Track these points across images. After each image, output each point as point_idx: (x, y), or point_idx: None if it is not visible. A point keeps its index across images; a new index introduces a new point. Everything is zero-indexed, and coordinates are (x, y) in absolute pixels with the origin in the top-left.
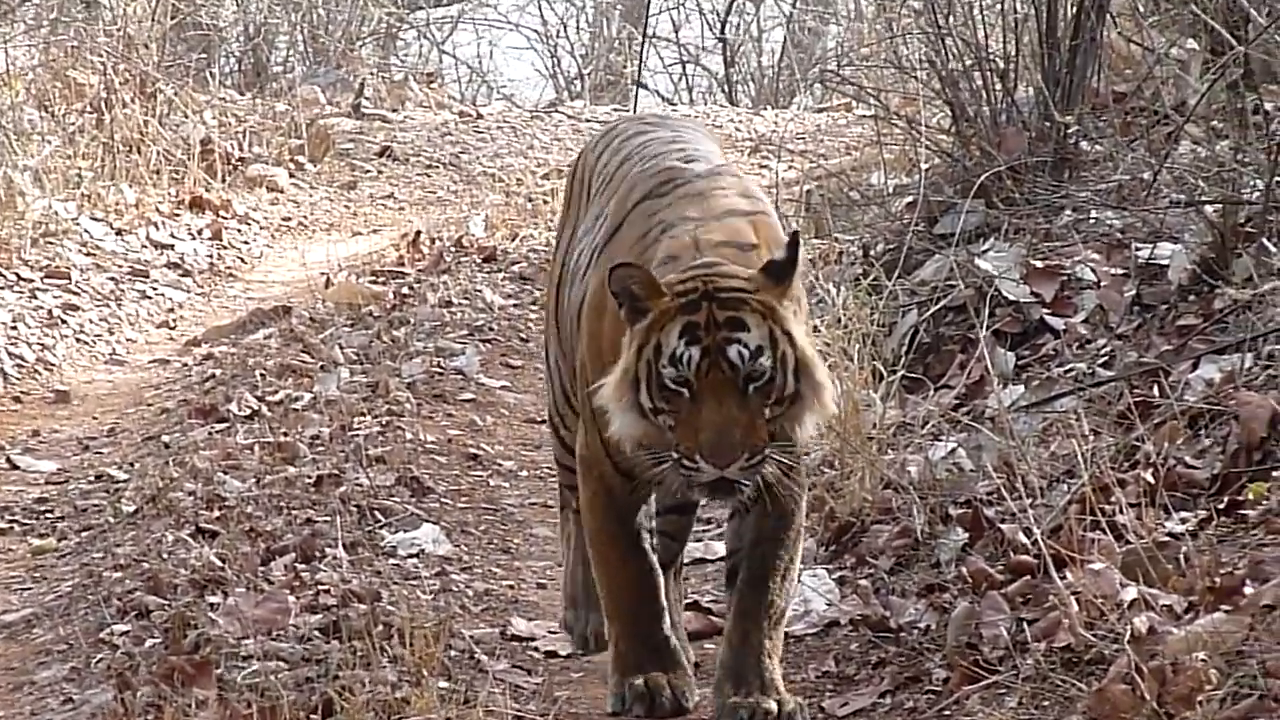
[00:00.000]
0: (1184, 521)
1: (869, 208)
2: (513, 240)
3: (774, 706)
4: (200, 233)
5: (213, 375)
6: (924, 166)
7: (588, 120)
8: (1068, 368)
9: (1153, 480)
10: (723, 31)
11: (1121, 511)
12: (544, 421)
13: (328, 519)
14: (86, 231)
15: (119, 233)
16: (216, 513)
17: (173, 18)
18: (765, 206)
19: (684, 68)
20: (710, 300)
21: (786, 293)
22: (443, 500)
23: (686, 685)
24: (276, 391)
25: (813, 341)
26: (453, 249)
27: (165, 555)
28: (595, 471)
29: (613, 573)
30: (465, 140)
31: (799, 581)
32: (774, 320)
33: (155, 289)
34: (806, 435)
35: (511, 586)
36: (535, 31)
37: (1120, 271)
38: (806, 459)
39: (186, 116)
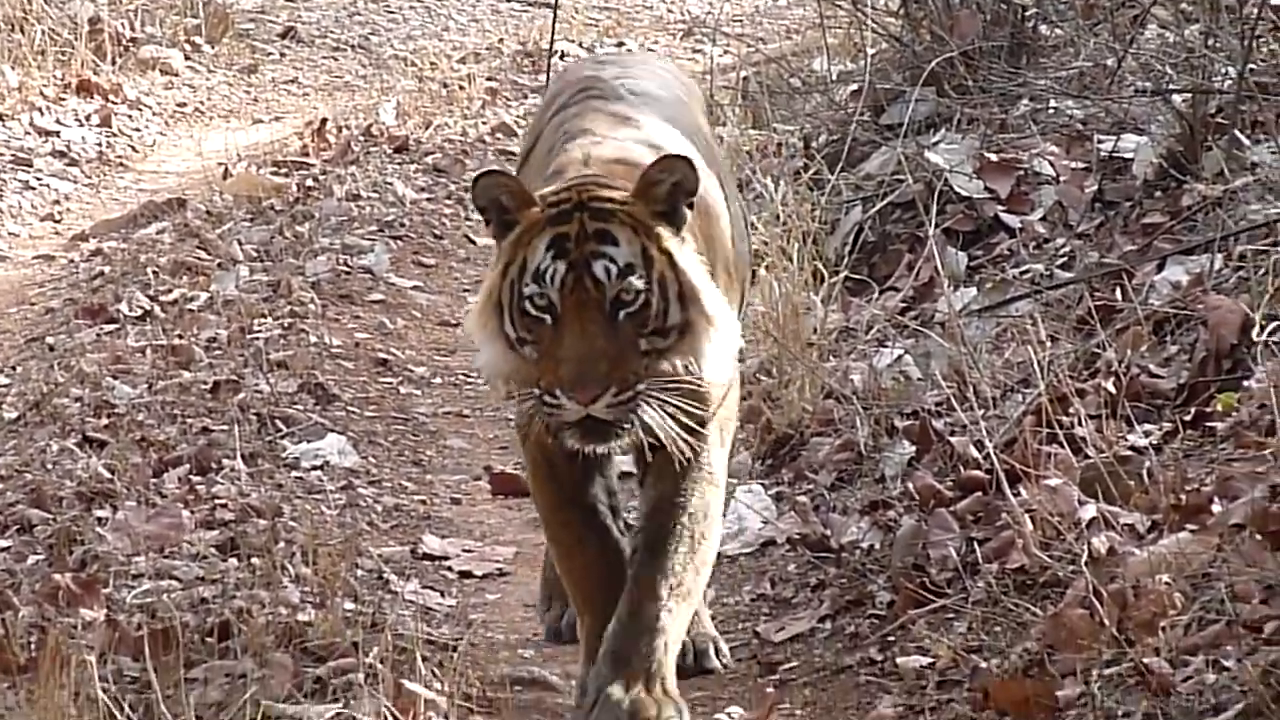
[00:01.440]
0: (1147, 434)
1: (811, 96)
2: (426, 129)
3: (653, 712)
4: (88, 119)
5: (101, 273)
6: (870, 51)
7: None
8: (1024, 269)
9: (1114, 390)
10: None
11: (1080, 423)
12: (458, 325)
13: (225, 428)
14: None
15: (0, 119)
16: (105, 420)
17: None
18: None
19: None
20: (583, 210)
21: (666, 217)
22: (349, 409)
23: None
24: (170, 291)
25: (705, 269)
26: (361, 138)
27: (49, 466)
28: (531, 439)
29: (570, 556)
30: (375, 21)
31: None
32: (649, 238)
33: (39, 179)
34: (711, 374)
35: (423, 502)
36: None
37: (1081, 165)
38: (726, 409)
39: None
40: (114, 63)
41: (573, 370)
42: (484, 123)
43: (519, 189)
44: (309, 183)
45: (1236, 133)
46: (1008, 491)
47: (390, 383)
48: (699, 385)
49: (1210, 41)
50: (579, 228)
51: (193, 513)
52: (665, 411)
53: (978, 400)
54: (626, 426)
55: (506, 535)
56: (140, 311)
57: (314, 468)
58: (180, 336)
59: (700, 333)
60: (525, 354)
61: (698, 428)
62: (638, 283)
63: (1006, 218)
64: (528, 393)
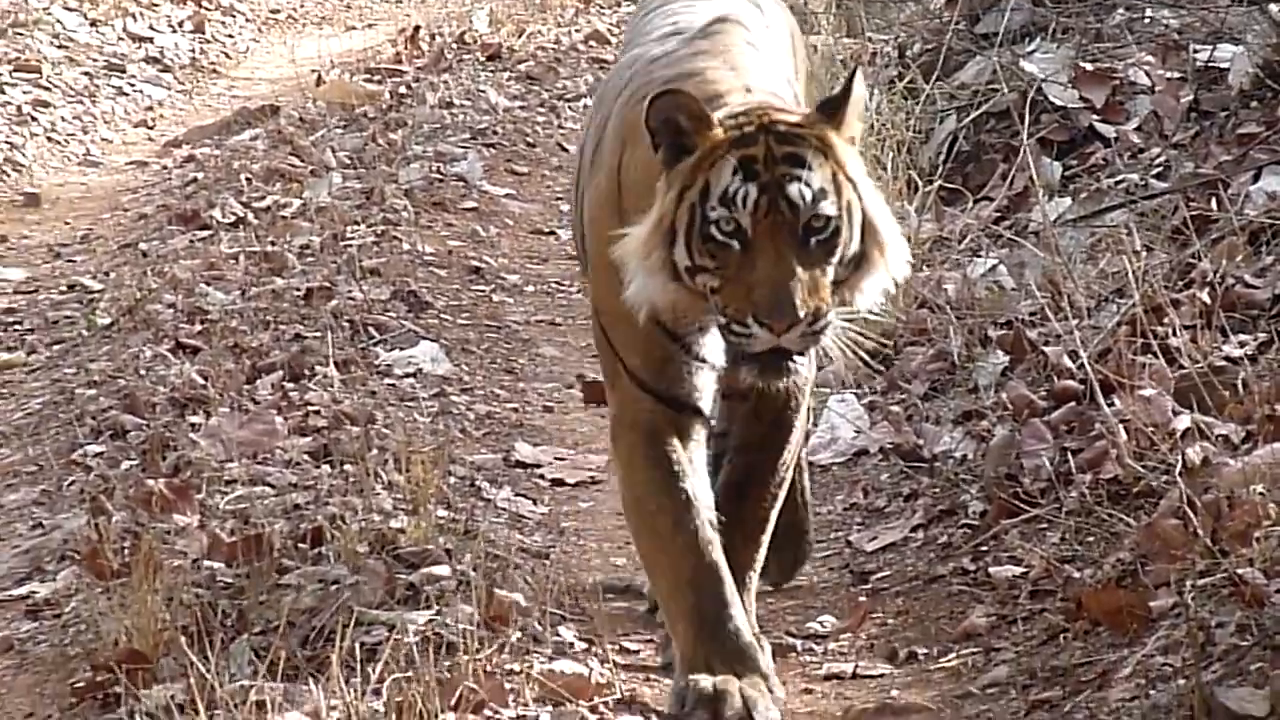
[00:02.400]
0: (1242, 345)
1: (905, 4)
2: (519, 37)
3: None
4: (181, 25)
5: (195, 179)
6: None
7: None
8: (1118, 179)
9: (1209, 300)
10: None
11: (1175, 334)
12: (551, 233)
13: (318, 335)
14: (59, 22)
15: (94, 24)
16: (198, 327)
17: None
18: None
19: None
20: (768, 133)
21: (842, 131)
22: (442, 316)
23: (760, 696)
24: (263, 197)
25: (878, 192)
26: (454, 46)
27: (143, 372)
28: (628, 418)
29: (665, 548)
30: None
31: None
32: (836, 162)
33: (133, 85)
34: (868, 305)
35: (515, 410)
36: None
37: (1177, 75)
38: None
39: None
40: None
41: (768, 297)
42: (577, 30)
43: (699, 110)
44: (402, 90)
45: None
46: (1101, 402)
47: (483, 290)
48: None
49: None
50: (766, 150)
51: (286, 419)
52: (843, 342)
53: (1072, 310)
54: (804, 360)
55: (598, 443)
56: (233, 218)
57: (407, 375)
58: (273, 243)
59: (873, 265)
60: (697, 284)
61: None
62: (829, 208)
63: (1101, 127)
64: (703, 322)
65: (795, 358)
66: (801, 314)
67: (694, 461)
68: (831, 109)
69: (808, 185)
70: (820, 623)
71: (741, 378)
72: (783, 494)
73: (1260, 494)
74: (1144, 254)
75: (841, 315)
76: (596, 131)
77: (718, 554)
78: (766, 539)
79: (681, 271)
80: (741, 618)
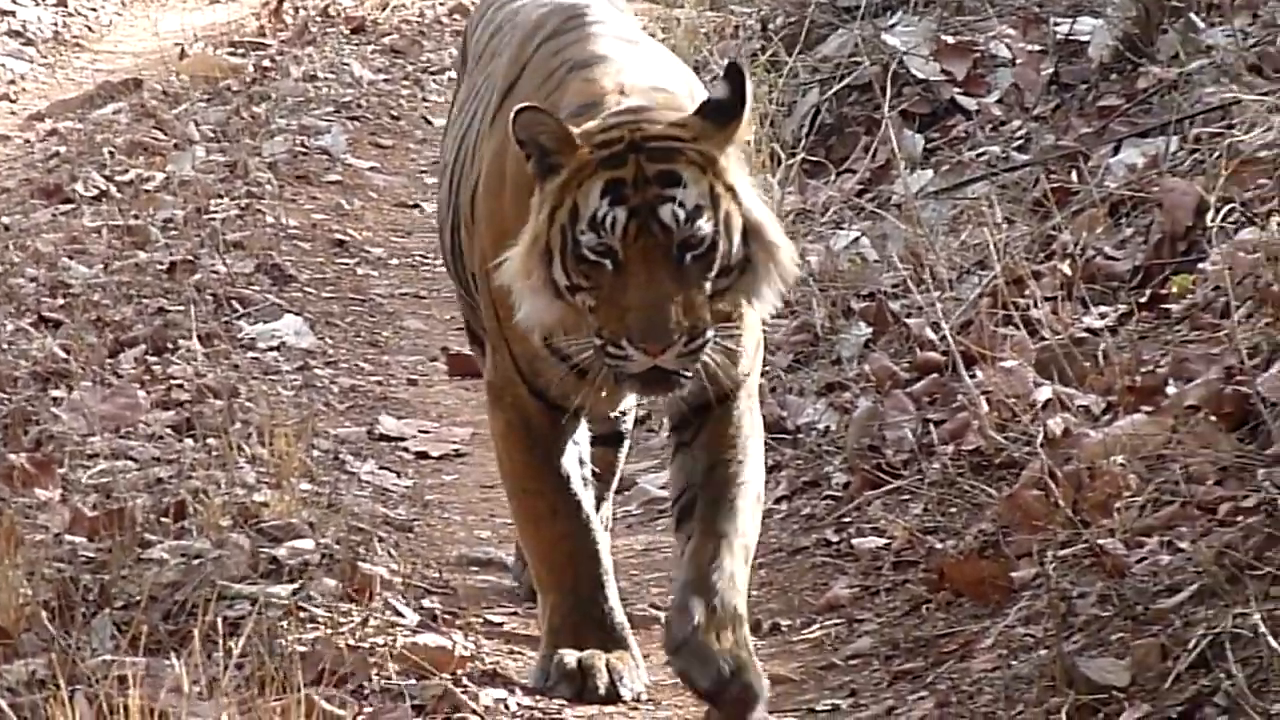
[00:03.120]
0: (1103, 316)
1: None
2: (383, 10)
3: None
4: None
5: (57, 153)
6: None
7: None
8: (980, 151)
9: (1070, 272)
10: None
11: (1036, 305)
12: (415, 206)
13: (181, 308)
14: None
15: None
16: (61, 300)
17: None
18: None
19: None
20: (638, 151)
21: (731, 139)
22: (306, 289)
23: (627, 670)
24: (126, 171)
25: (760, 194)
26: (318, 19)
27: (4, 346)
28: (507, 398)
29: (540, 527)
30: None
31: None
32: (715, 174)
33: None
34: (765, 310)
35: (380, 383)
36: None
37: (1037, 48)
38: (758, 351)
39: None
40: None
41: (641, 320)
42: (441, 3)
43: (560, 129)
44: (266, 63)
45: (1192, 15)
46: (963, 373)
47: (347, 263)
48: (746, 329)
49: None
50: (636, 170)
51: (148, 393)
52: (729, 357)
53: (934, 282)
54: (689, 374)
55: (463, 416)
56: (96, 191)
57: (270, 348)
58: (136, 217)
59: (760, 268)
60: (577, 302)
61: (741, 374)
62: (705, 226)
63: (963, 100)
64: (583, 344)
65: (683, 374)
66: (676, 336)
67: (570, 439)
68: (720, 116)
69: (681, 205)
70: None
71: (624, 395)
72: (761, 501)
73: (1120, 465)
74: (1005, 226)
75: (722, 330)
76: (475, 104)
77: (595, 535)
78: (752, 553)
79: (562, 290)
80: (615, 598)
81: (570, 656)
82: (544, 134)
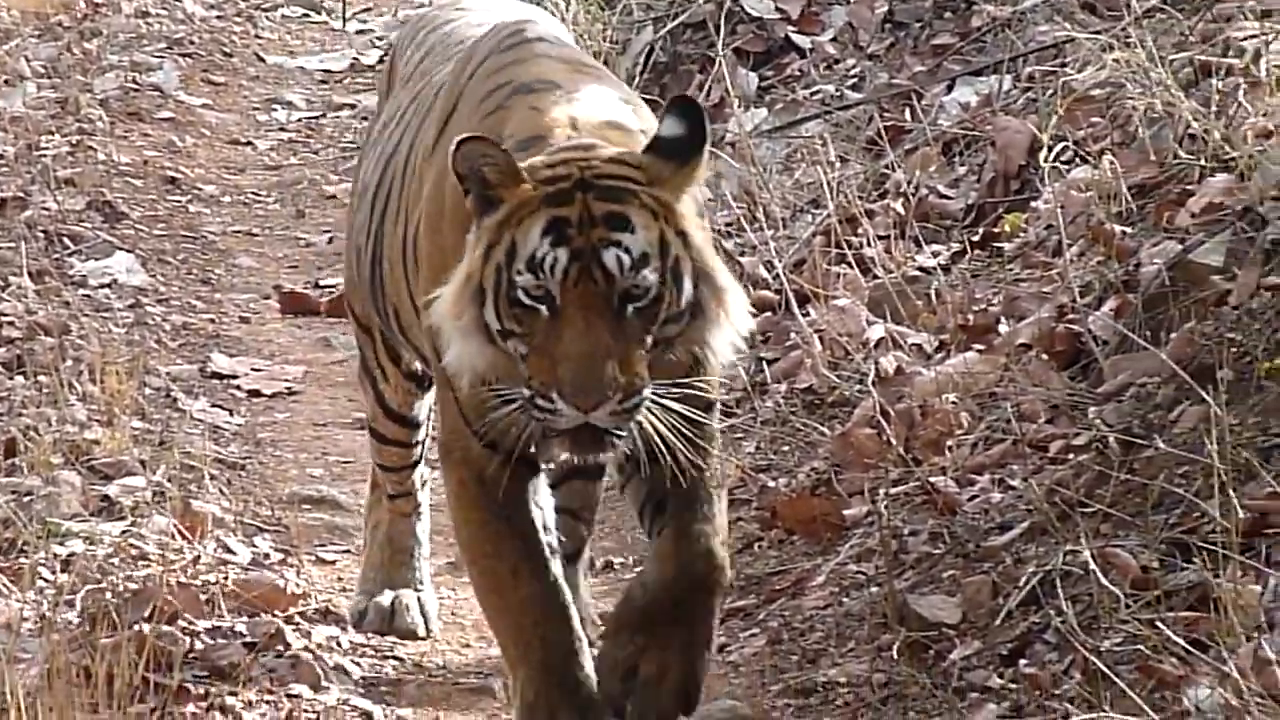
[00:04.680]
0: (936, 255)
1: None
2: None
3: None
4: None
5: None
6: None
7: None
8: (814, 90)
9: (903, 211)
10: None
11: (869, 244)
12: (249, 144)
13: (11, 245)
14: None
15: None
16: None
17: None
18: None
19: None
20: (586, 190)
21: (690, 181)
22: (137, 226)
23: None
24: None
25: (709, 237)
26: None
27: None
28: (457, 453)
29: (503, 594)
30: None
31: None
32: (668, 220)
33: None
34: (719, 359)
35: (212, 320)
36: None
37: None
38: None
39: None
40: None
41: (574, 373)
42: None
43: (506, 160)
44: None
45: None
46: (796, 312)
47: (179, 201)
48: (705, 384)
49: None
50: (582, 210)
51: None
52: (670, 416)
53: (767, 221)
54: (623, 434)
55: (295, 354)
56: None
57: (102, 286)
58: None
59: (711, 316)
60: (509, 348)
61: (698, 431)
62: (651, 275)
63: (797, 38)
64: (513, 392)
65: (616, 433)
66: (610, 392)
67: (530, 494)
68: (677, 156)
69: (627, 252)
70: None
71: (554, 453)
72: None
73: (952, 403)
74: (839, 164)
75: (660, 386)
76: (402, 128)
77: (564, 598)
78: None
79: (494, 334)
80: (590, 665)
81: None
82: (487, 166)
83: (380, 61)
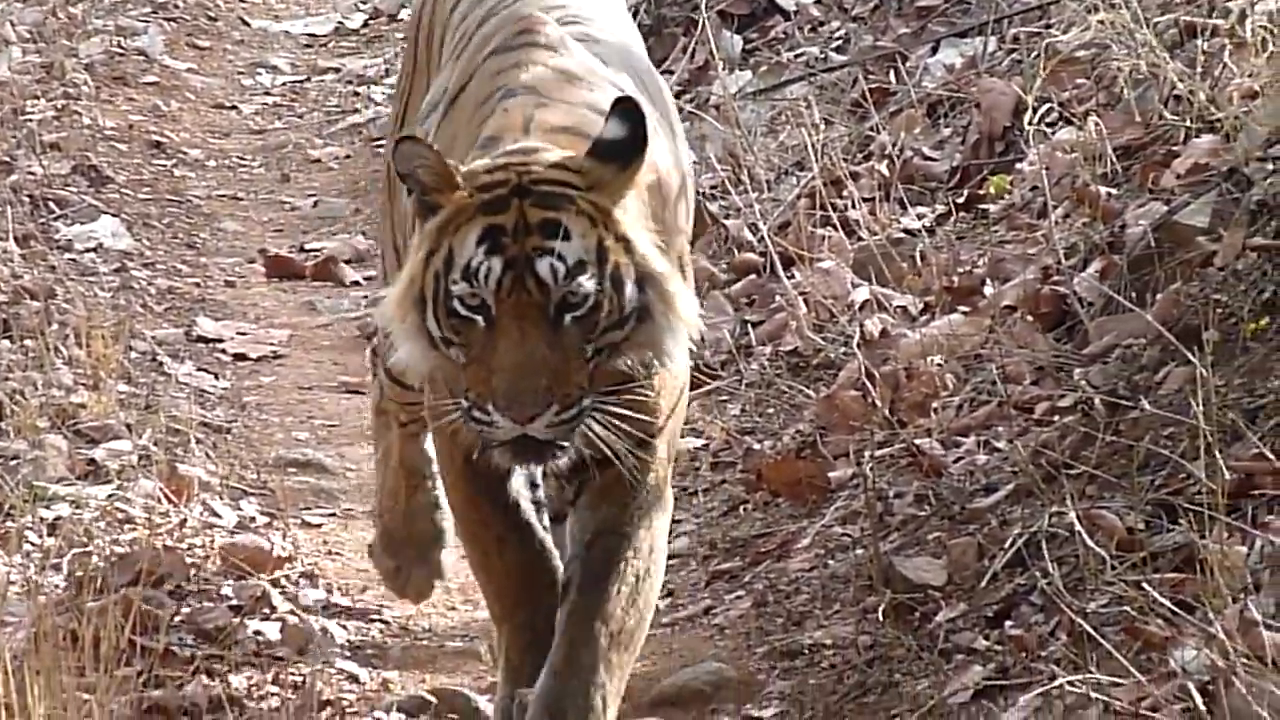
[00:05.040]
0: (920, 217)
1: None
2: None
3: None
4: None
5: None
6: None
7: None
8: (799, 52)
9: (888, 173)
10: None
11: (854, 206)
12: (234, 108)
13: None
14: None
15: None
16: None
17: None
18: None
19: None
20: (523, 196)
21: (629, 184)
22: (123, 191)
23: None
24: None
25: (657, 239)
26: None
27: None
28: (446, 427)
29: (489, 559)
30: None
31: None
32: (607, 225)
33: None
34: (671, 363)
35: (197, 284)
36: None
37: None
38: (675, 417)
39: None
40: None
41: (508, 384)
42: None
43: (441, 166)
44: None
45: None
46: (781, 274)
47: (164, 165)
48: (649, 392)
49: None
50: (518, 217)
51: None
52: (613, 426)
53: (752, 183)
54: (566, 445)
55: (281, 318)
56: None
57: (87, 250)
58: None
59: (658, 321)
60: (451, 355)
61: (648, 440)
62: (588, 283)
63: (781, 1)
64: (453, 402)
65: (558, 444)
66: (545, 403)
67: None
68: (616, 159)
69: (561, 259)
70: None
71: (495, 461)
72: (654, 593)
73: (938, 365)
74: (823, 127)
75: (612, 392)
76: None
77: (549, 563)
78: (633, 653)
79: (436, 341)
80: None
81: (531, 696)
82: (423, 169)
83: (365, 26)
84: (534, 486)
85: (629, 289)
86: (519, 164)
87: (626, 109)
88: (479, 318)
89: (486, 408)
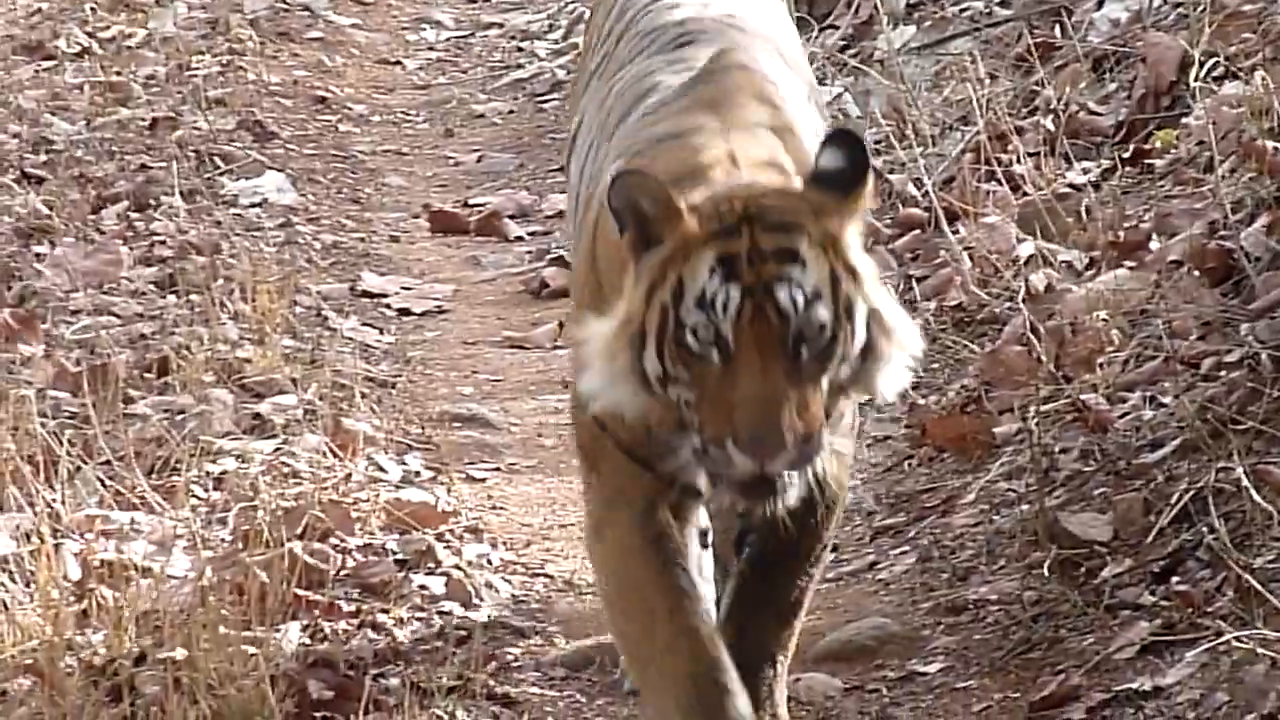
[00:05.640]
0: (1086, 172)
1: None
2: None
3: None
4: None
5: (39, 9)
6: None
7: None
8: (963, 6)
9: (1053, 127)
10: None
11: (1019, 161)
12: (397, 63)
13: (163, 165)
14: None
15: None
16: (43, 157)
17: None
18: (789, 115)
19: None
20: (753, 224)
21: (854, 213)
22: (288, 146)
23: None
24: (108, 27)
25: (877, 271)
26: None
27: None
28: (621, 499)
29: (642, 629)
30: None
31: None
32: (837, 254)
33: None
34: (890, 395)
35: (362, 239)
36: None
37: None
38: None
39: None
40: None
41: (751, 422)
42: None
43: (666, 196)
44: None
45: None
46: (946, 229)
47: (329, 120)
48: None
49: None
50: (751, 243)
51: (131, 249)
52: (841, 462)
53: (916, 138)
54: (794, 482)
55: (445, 273)
56: (78, 48)
57: (252, 205)
58: (118, 73)
59: (882, 358)
60: (668, 396)
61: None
62: (824, 314)
63: None
64: (676, 443)
65: (790, 479)
66: (789, 441)
67: (689, 548)
68: (839, 186)
69: (800, 287)
70: None
71: (721, 501)
72: (820, 570)
73: (1103, 320)
74: (988, 81)
75: (837, 435)
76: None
77: (712, 634)
78: (800, 622)
79: (652, 381)
80: (747, 710)
81: None
82: (647, 199)
83: None
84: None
85: (859, 323)
86: (744, 191)
87: (843, 136)
88: (713, 350)
89: (724, 445)
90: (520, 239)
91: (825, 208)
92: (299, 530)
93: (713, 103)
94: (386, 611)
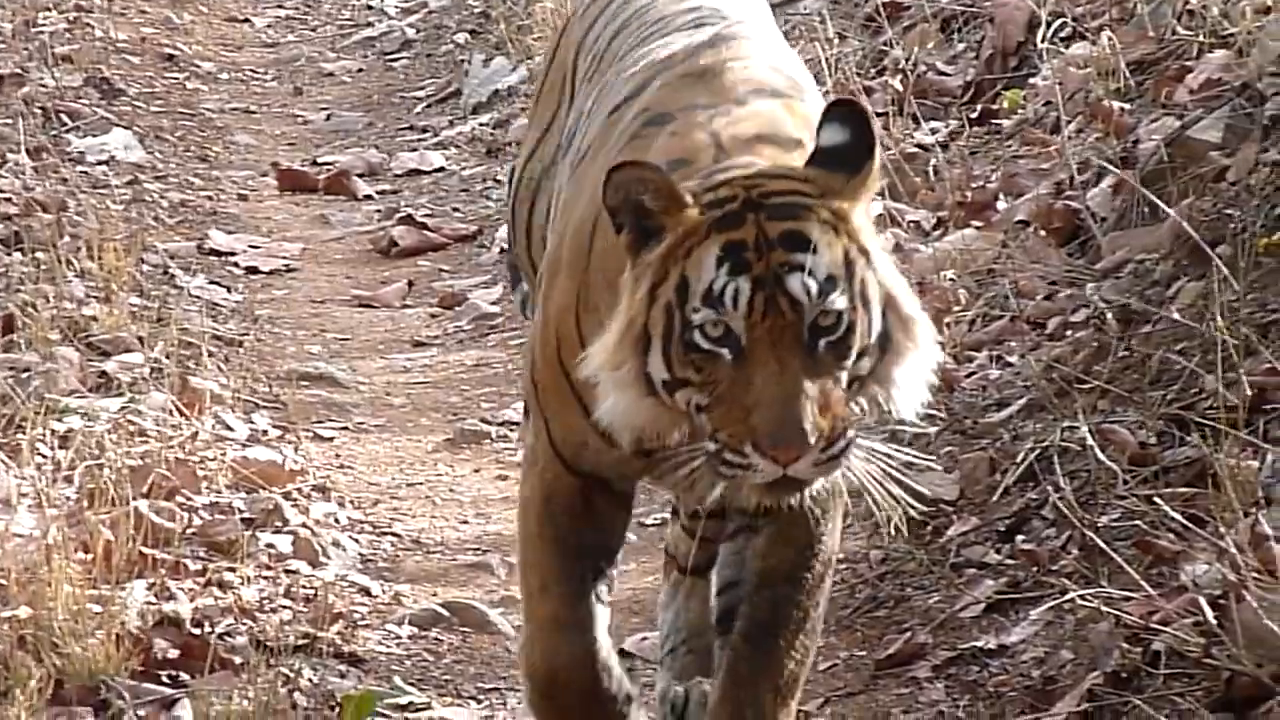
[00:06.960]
0: (934, 132)
1: None
2: None
3: None
4: None
5: None
6: None
7: None
8: None
9: (901, 88)
10: None
11: None
12: (246, 21)
13: (9, 122)
14: None
15: None
16: None
17: None
18: (801, 76)
19: None
20: (756, 210)
21: (862, 191)
22: (135, 103)
23: None
24: None
25: (890, 255)
26: None
27: None
28: (537, 468)
29: (533, 604)
30: None
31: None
32: (849, 235)
33: None
34: (907, 404)
35: (210, 197)
36: None
37: None
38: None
39: None
40: None
41: (770, 421)
42: None
43: (665, 184)
44: None
45: None
46: None
47: (177, 78)
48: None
49: None
50: (757, 231)
51: None
52: (876, 463)
53: None
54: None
55: (293, 231)
56: None
57: (99, 162)
58: None
59: (900, 350)
60: (676, 400)
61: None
62: (840, 300)
63: None
64: (693, 448)
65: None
66: (812, 439)
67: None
68: (847, 164)
69: (812, 275)
70: (515, 409)
71: (743, 497)
72: (817, 634)
73: (951, 280)
74: (837, 41)
75: (864, 431)
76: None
77: (596, 653)
78: (797, 697)
79: (658, 386)
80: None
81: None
82: (646, 192)
83: None
84: (694, 517)
85: (875, 310)
86: (744, 175)
87: (844, 110)
88: (725, 351)
89: (743, 449)
90: (369, 197)
91: (832, 186)
92: (145, 489)
93: (700, 75)
94: (233, 570)
